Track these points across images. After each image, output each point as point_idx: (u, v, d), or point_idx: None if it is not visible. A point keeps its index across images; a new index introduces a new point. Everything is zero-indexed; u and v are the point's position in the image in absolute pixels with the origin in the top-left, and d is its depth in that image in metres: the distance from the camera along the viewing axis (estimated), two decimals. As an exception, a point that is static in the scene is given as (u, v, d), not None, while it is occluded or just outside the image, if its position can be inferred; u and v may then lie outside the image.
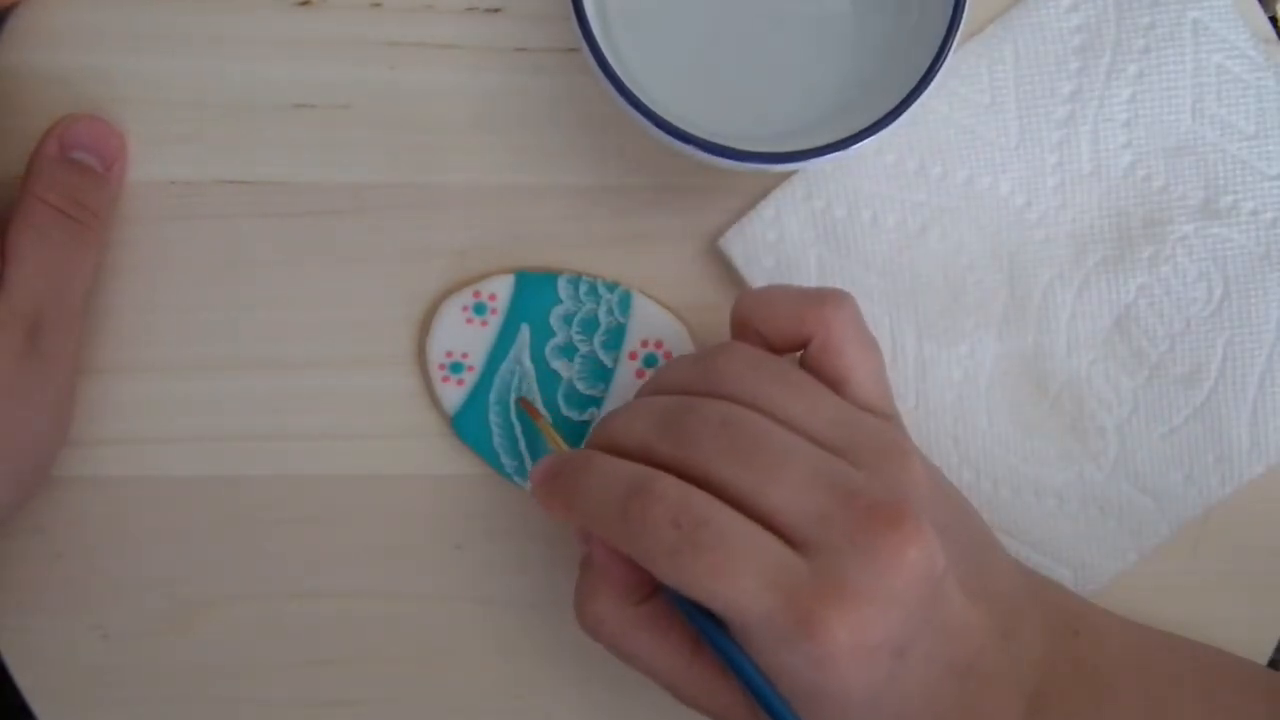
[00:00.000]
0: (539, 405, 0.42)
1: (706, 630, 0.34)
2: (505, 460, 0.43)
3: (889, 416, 0.38)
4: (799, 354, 0.38)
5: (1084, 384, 0.43)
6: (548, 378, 0.43)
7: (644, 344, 0.43)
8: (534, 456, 0.43)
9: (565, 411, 0.43)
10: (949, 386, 0.43)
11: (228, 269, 0.43)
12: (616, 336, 0.43)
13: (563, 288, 0.43)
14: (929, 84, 0.37)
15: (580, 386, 0.43)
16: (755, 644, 0.33)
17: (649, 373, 0.43)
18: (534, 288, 0.43)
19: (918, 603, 0.33)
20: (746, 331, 0.38)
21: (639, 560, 0.34)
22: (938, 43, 0.37)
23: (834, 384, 0.37)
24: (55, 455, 0.42)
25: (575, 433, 0.43)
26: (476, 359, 0.43)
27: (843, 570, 0.32)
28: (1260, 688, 0.41)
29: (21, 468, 0.40)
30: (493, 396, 0.43)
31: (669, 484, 0.34)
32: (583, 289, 0.43)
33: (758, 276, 0.42)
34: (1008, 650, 0.37)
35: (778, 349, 0.38)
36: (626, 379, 0.43)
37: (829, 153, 0.37)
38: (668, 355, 0.43)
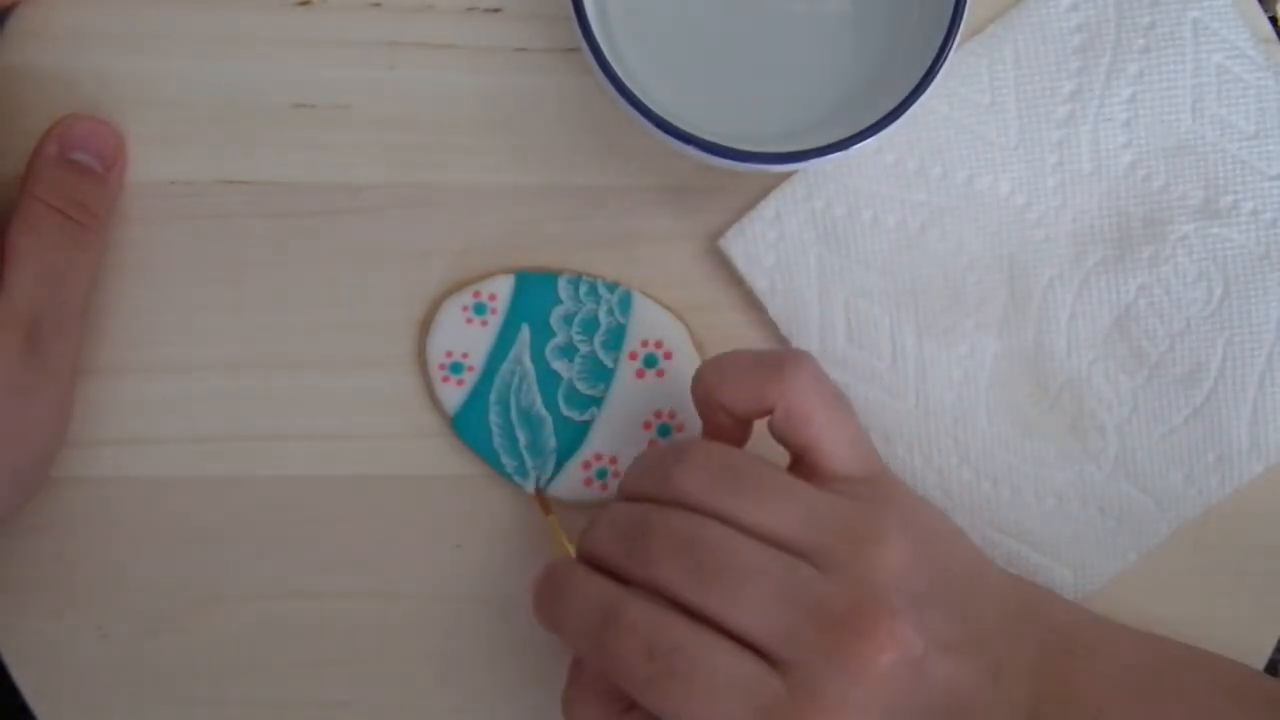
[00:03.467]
0: (549, 502, 0.43)
1: None
2: (505, 460, 0.43)
3: (870, 477, 0.38)
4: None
5: (1084, 384, 0.43)
6: (548, 378, 0.43)
7: (644, 344, 0.43)
8: (534, 456, 0.43)
9: (565, 411, 0.43)
10: (949, 386, 0.43)
11: (228, 269, 0.43)
12: (617, 337, 0.43)
13: (563, 288, 0.43)
14: (929, 84, 0.37)
15: (580, 386, 0.43)
16: None
17: (649, 373, 0.43)
18: (534, 288, 0.43)
19: (899, 692, 0.34)
20: (710, 407, 0.38)
21: (620, 686, 0.35)
22: (938, 43, 0.37)
23: (803, 452, 0.37)
24: (55, 455, 0.42)
25: (575, 433, 0.43)
26: (476, 359, 0.43)
27: (817, 685, 0.33)
28: (1259, 702, 0.40)
29: (21, 468, 0.40)
30: (493, 397, 0.43)
31: (638, 611, 0.34)
32: (583, 289, 0.43)
33: (758, 276, 0.42)
34: (998, 688, 0.37)
35: (744, 420, 0.38)
36: (627, 379, 0.43)
37: (829, 153, 0.37)
38: (668, 355, 0.43)
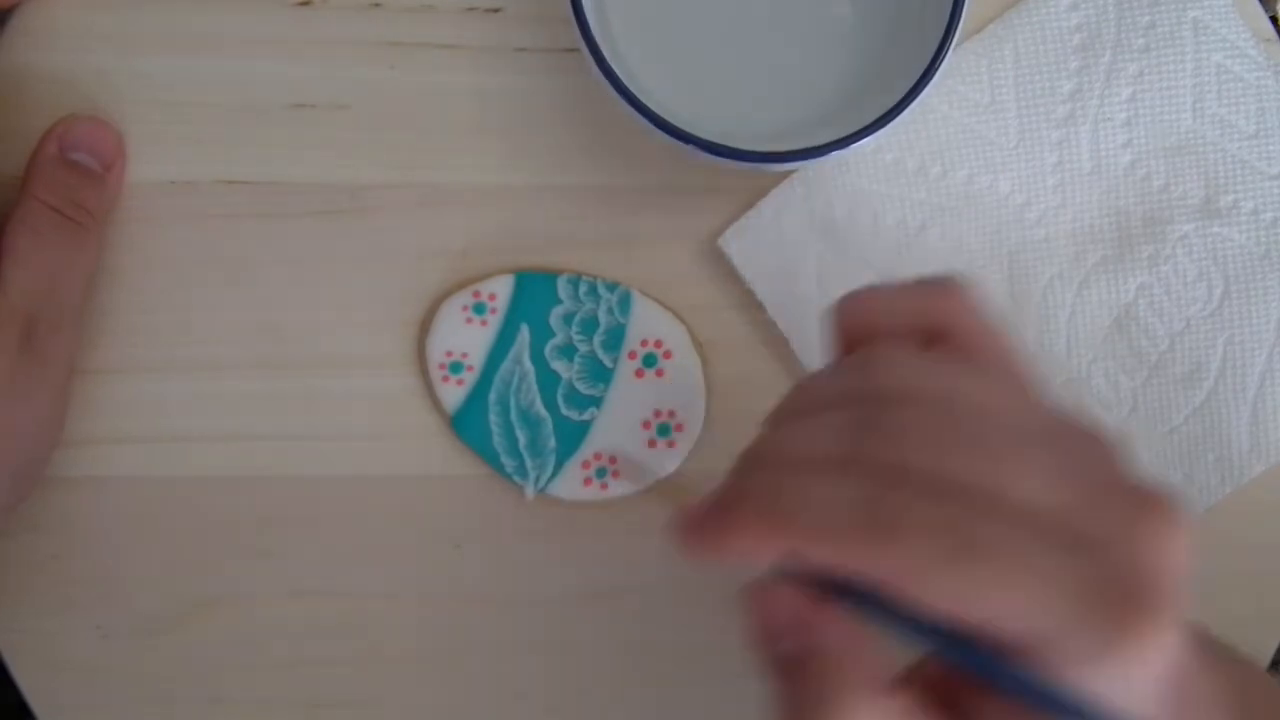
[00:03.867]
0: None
1: (992, 668, 0.27)
2: (505, 460, 0.43)
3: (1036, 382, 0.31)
4: None
5: (1083, 383, 0.43)
6: (548, 378, 0.43)
7: (644, 344, 0.43)
8: (534, 456, 0.43)
9: (565, 411, 0.43)
10: (949, 386, 0.43)
11: (228, 269, 0.43)
12: (616, 336, 0.43)
13: (562, 288, 0.43)
14: (928, 84, 0.37)
15: (580, 386, 0.43)
16: (1053, 669, 0.26)
17: (649, 373, 0.43)
18: (534, 288, 0.43)
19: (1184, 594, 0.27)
20: (854, 336, 0.32)
21: (899, 579, 0.27)
22: (937, 42, 0.37)
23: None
24: (50, 455, 0.42)
25: (575, 432, 0.43)
26: (476, 359, 0.43)
27: (1139, 564, 0.26)
28: None
29: (16, 466, 0.40)
30: (493, 396, 0.43)
31: (915, 495, 0.27)
32: (582, 289, 0.43)
33: (756, 275, 0.42)
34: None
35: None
36: (626, 379, 0.43)
37: (829, 152, 0.37)
38: (668, 355, 0.43)
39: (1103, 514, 0.27)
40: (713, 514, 0.30)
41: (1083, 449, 0.28)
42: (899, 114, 0.37)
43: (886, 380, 0.29)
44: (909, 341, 0.31)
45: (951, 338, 0.31)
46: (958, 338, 0.31)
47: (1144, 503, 0.27)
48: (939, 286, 0.32)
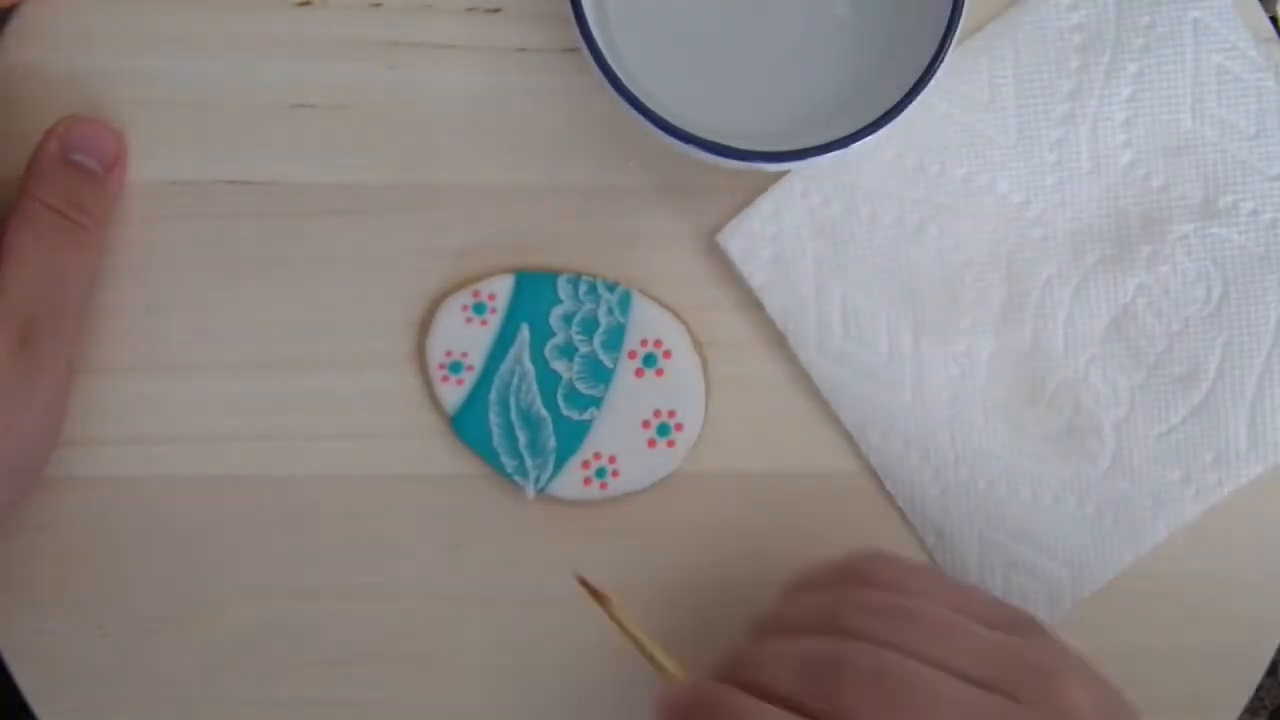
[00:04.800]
0: (604, 587, 0.37)
1: None
2: (505, 460, 0.43)
3: (1025, 615, 0.37)
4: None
5: (1081, 383, 0.43)
6: (548, 378, 0.43)
7: (644, 343, 0.43)
8: (534, 456, 0.43)
9: (565, 411, 0.43)
10: (946, 384, 0.43)
11: (228, 269, 0.43)
12: (616, 336, 0.43)
13: (562, 288, 0.43)
14: (927, 83, 0.37)
15: (580, 386, 0.43)
16: None
17: (649, 372, 0.43)
18: (534, 288, 0.43)
19: None
20: None
21: None
22: (936, 41, 0.37)
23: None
24: (48, 456, 0.42)
25: (575, 432, 0.43)
26: (476, 359, 0.43)
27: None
28: None
29: (14, 466, 0.40)
30: (493, 396, 0.43)
31: None
32: (582, 289, 0.43)
33: (755, 271, 0.42)
34: None
35: None
36: (626, 379, 0.43)
37: (828, 151, 0.37)
38: (668, 355, 0.43)
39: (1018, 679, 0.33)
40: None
41: (1000, 706, 0.33)
42: (899, 114, 0.37)
43: (841, 624, 0.35)
44: (871, 570, 0.37)
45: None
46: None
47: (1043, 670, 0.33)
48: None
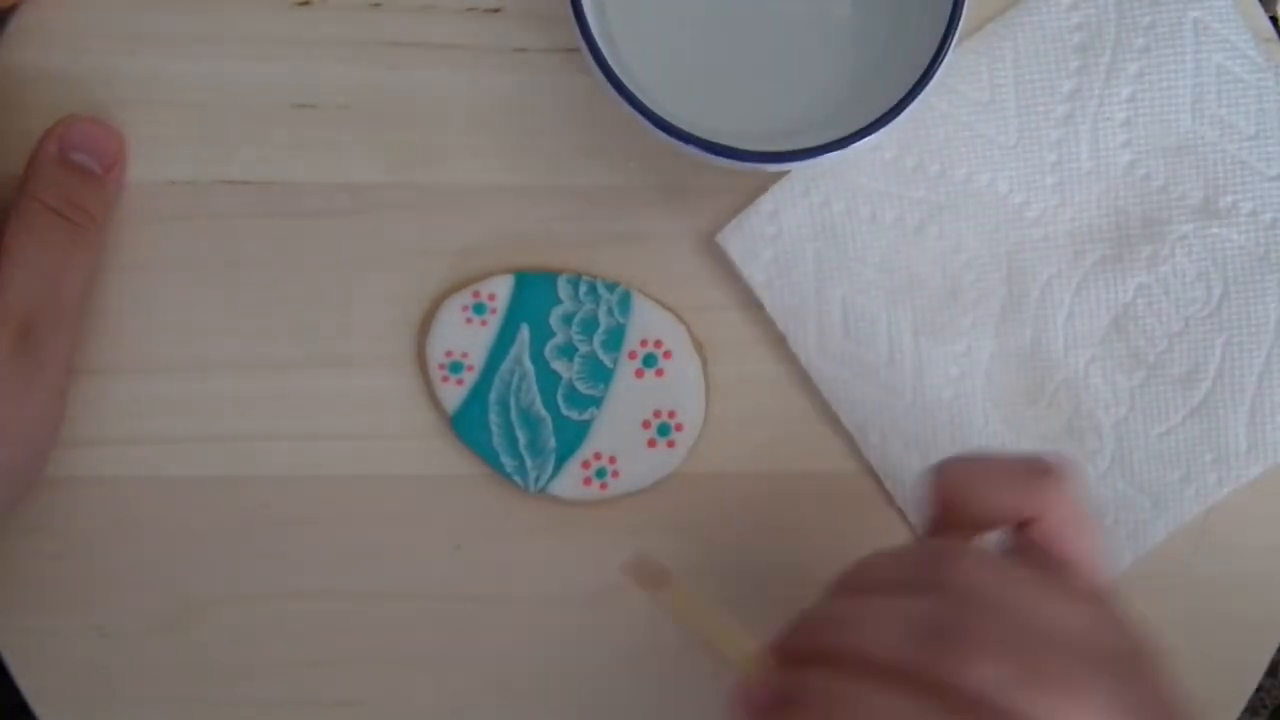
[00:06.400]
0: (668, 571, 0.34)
1: None
2: (505, 460, 0.43)
3: (1104, 595, 0.33)
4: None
5: (1081, 383, 0.43)
6: (547, 378, 0.43)
7: (643, 344, 0.43)
8: (534, 456, 0.43)
9: (565, 411, 0.43)
10: (946, 384, 0.43)
11: (228, 269, 0.43)
12: (616, 336, 0.43)
13: (562, 288, 0.43)
14: (927, 83, 0.37)
15: (580, 386, 0.43)
16: None
17: (649, 373, 0.43)
18: (534, 288, 0.43)
19: None
20: (951, 507, 0.34)
21: None
22: (937, 41, 0.37)
23: (1054, 567, 0.33)
24: (46, 455, 0.42)
25: (575, 432, 0.43)
26: (476, 359, 0.43)
27: None
28: None
29: (13, 466, 0.40)
30: (493, 396, 0.43)
31: None
32: (582, 289, 0.43)
33: (755, 271, 0.42)
34: None
35: (985, 527, 0.34)
36: (626, 379, 0.43)
37: (828, 151, 0.37)
38: (668, 355, 0.43)
39: None
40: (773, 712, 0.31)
41: (1136, 675, 0.30)
42: (899, 114, 0.37)
43: (960, 581, 0.30)
44: (989, 553, 0.32)
45: (1040, 525, 0.33)
46: (1046, 529, 0.32)
47: None
48: (1042, 475, 0.33)
